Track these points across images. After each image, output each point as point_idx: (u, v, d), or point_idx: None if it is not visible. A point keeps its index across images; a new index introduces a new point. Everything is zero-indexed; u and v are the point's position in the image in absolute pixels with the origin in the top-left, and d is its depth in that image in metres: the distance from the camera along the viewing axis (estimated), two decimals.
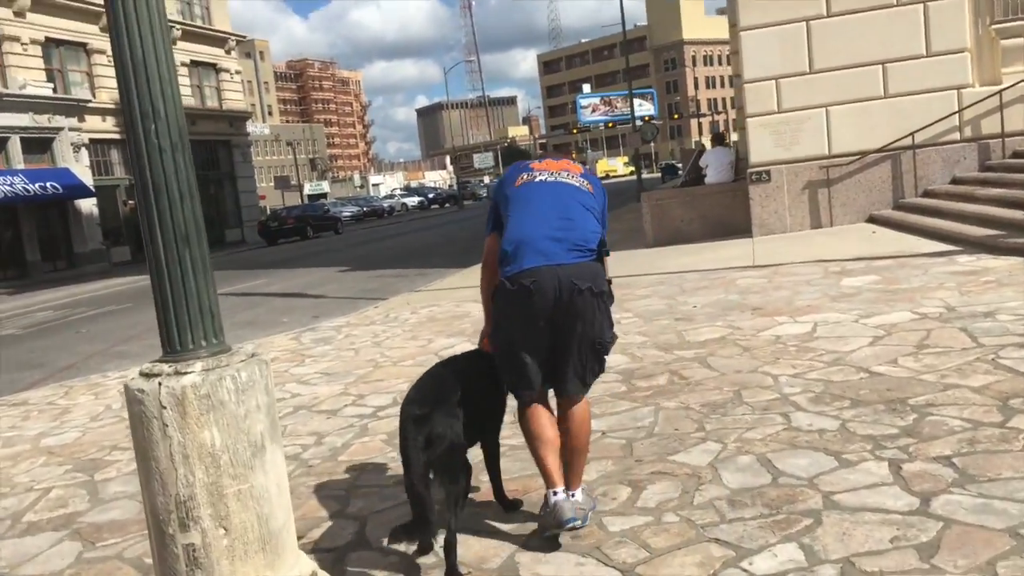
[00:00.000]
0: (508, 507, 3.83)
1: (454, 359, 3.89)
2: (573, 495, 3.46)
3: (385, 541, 3.45)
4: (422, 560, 3.46)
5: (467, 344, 7.56)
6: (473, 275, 12.87)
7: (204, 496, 2.65)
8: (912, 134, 12.42)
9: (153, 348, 10.65)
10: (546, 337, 3.40)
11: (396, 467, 4.52)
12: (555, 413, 3.56)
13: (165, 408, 2.64)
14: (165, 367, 2.72)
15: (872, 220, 12.65)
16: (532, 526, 3.63)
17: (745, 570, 3.05)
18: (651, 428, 4.69)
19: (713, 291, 8.75)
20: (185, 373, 2.68)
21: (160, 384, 2.66)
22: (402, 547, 3.55)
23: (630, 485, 3.93)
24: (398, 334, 8.69)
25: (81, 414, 6.98)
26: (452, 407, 3.37)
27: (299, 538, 3.78)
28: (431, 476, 3.34)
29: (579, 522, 3.37)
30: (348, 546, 3.70)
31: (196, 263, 2.75)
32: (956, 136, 12.61)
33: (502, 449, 3.87)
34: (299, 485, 4.57)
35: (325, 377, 7.10)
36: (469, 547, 3.51)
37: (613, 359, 6.11)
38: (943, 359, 5.28)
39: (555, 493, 3.41)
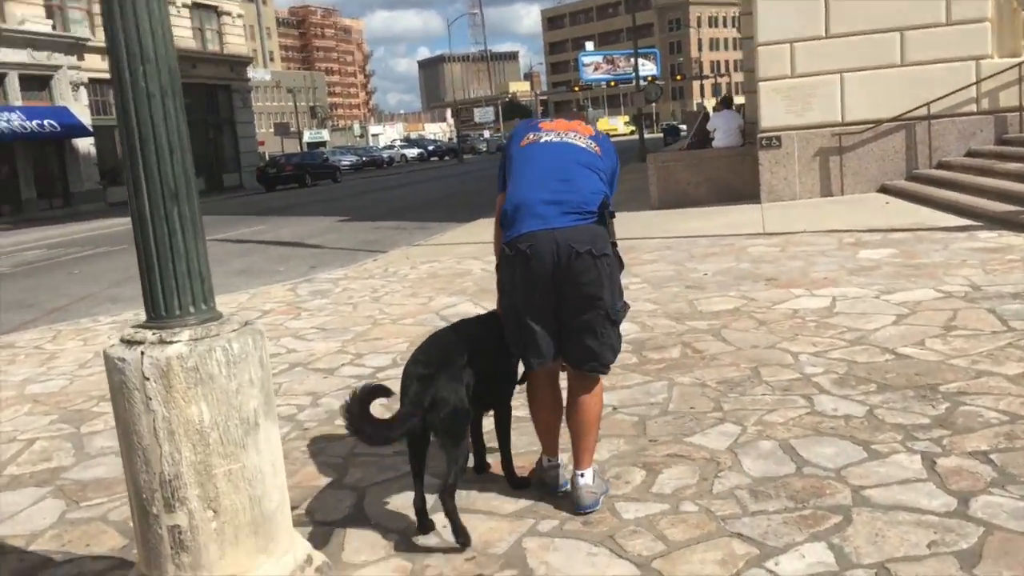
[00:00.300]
0: (516, 484, 3.61)
1: (465, 322, 3.73)
2: (582, 475, 3.37)
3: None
4: (423, 540, 3.24)
5: (469, 304, 7.32)
6: (475, 230, 12.62)
7: (191, 476, 2.42)
8: (928, 104, 12.08)
9: None
10: (551, 305, 3.27)
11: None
12: (558, 384, 3.47)
13: (148, 380, 2.40)
14: (149, 334, 2.46)
15: (884, 190, 12.36)
16: (541, 508, 3.41)
17: (771, 571, 2.83)
18: (665, 405, 4.46)
19: (724, 258, 8.48)
20: (171, 342, 2.42)
21: (143, 354, 2.40)
22: (402, 527, 3.34)
23: (644, 468, 3.70)
24: (397, 290, 8.43)
25: (68, 360, 6.74)
26: (457, 370, 3.23)
27: (293, 508, 3.56)
28: (432, 438, 3.24)
29: (589, 509, 3.33)
30: (345, 520, 3.48)
31: (185, 221, 2.48)
32: (973, 108, 12.27)
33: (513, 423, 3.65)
34: (293, 449, 4.34)
35: (322, 333, 6.85)
36: (474, 528, 3.28)
37: (622, 327, 5.86)
38: (973, 343, 5.04)
39: (548, 460, 3.51)
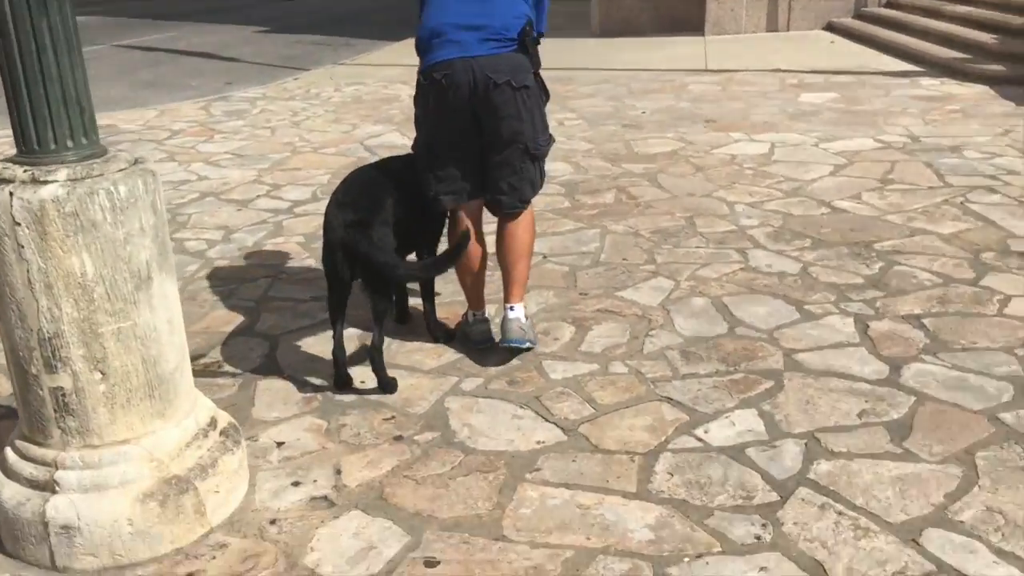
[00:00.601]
0: (439, 336, 3.44)
1: (390, 160, 3.48)
2: (512, 308, 3.24)
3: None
4: (340, 397, 3.07)
5: (395, 134, 6.93)
6: (405, 51, 11.82)
7: (74, 334, 2.15)
8: None
9: None
10: (470, 139, 3.11)
11: (313, 278, 4.06)
12: (481, 231, 3.32)
13: (20, 225, 2.08)
14: (19, 171, 2.12)
15: (830, 28, 12.00)
16: (465, 365, 3.26)
17: (700, 439, 2.75)
18: (597, 255, 4.29)
19: (663, 96, 8.17)
20: (45, 182, 2.09)
21: (11, 195, 2.07)
22: (317, 380, 3.16)
23: (574, 323, 3.56)
24: (319, 115, 7.93)
25: None
26: (384, 214, 3.05)
27: (200, 357, 3.36)
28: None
29: (518, 344, 3.20)
30: (256, 371, 3.28)
31: (57, 36, 2.09)
32: None
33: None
34: (202, 289, 4.07)
35: (237, 159, 6.41)
36: None
37: (556, 167, 5.63)
38: (909, 198, 4.95)
39: (473, 315, 3.35)
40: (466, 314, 3.43)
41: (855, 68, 9.04)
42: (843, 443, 2.70)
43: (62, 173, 2.10)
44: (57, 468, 2.21)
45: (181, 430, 2.34)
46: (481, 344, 3.33)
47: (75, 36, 2.14)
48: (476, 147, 3.13)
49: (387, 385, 3.06)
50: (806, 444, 2.70)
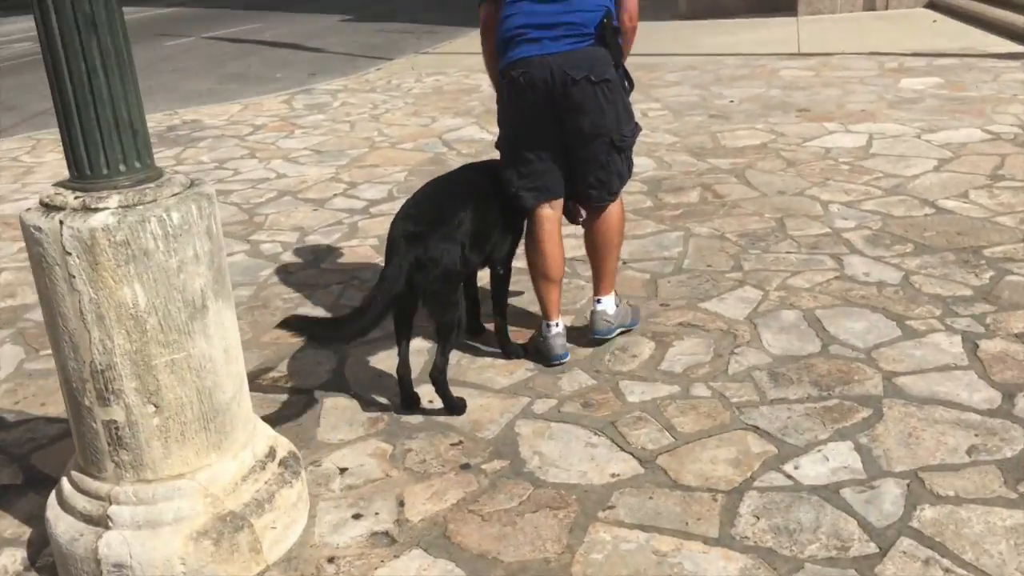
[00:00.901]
0: (511, 353, 3.29)
1: (468, 168, 3.43)
2: (599, 301, 3.29)
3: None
4: (407, 418, 2.95)
5: (474, 127, 6.80)
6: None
7: (127, 366, 2.07)
8: None
9: (150, 92, 9.75)
10: (551, 137, 3.10)
11: None
12: (560, 233, 3.26)
13: (70, 255, 2.00)
14: (70, 198, 2.04)
15: (932, 5, 11.36)
16: (538, 384, 3.10)
17: (789, 476, 2.53)
18: (680, 261, 4.07)
19: (753, 83, 7.82)
20: (96, 210, 2.00)
21: (62, 223, 1.99)
22: (384, 399, 3.06)
23: (654, 339, 3.36)
24: (399, 107, 7.85)
25: (47, 176, 6.33)
26: (451, 229, 2.91)
27: (267, 371, 3.30)
28: (420, 304, 2.93)
29: (603, 335, 3.28)
30: (323, 387, 3.19)
31: (108, 56, 2.00)
32: None
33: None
34: (274, 296, 4.02)
35: (315, 156, 6.38)
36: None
37: (638, 163, 5.30)
38: (1022, 197, 4.57)
39: (548, 326, 3.22)
40: (540, 325, 3.28)
41: (960, 50, 8.50)
42: (950, 485, 2.45)
43: (113, 200, 2.02)
44: (111, 503, 2.15)
45: (238, 463, 2.26)
46: (555, 361, 3.18)
47: (127, 55, 2.05)
48: (557, 145, 3.10)
49: (454, 408, 2.94)
50: (908, 485, 2.46)
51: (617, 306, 3.32)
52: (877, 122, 6.20)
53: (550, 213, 3.18)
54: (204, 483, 2.18)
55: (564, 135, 3.08)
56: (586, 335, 3.35)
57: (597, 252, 3.28)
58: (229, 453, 2.24)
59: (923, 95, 6.91)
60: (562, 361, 3.19)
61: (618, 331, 3.31)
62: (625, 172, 3.22)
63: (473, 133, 6.64)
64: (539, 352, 3.24)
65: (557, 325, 3.23)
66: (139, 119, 2.08)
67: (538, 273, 3.23)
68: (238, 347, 2.29)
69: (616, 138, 3.09)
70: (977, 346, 3.16)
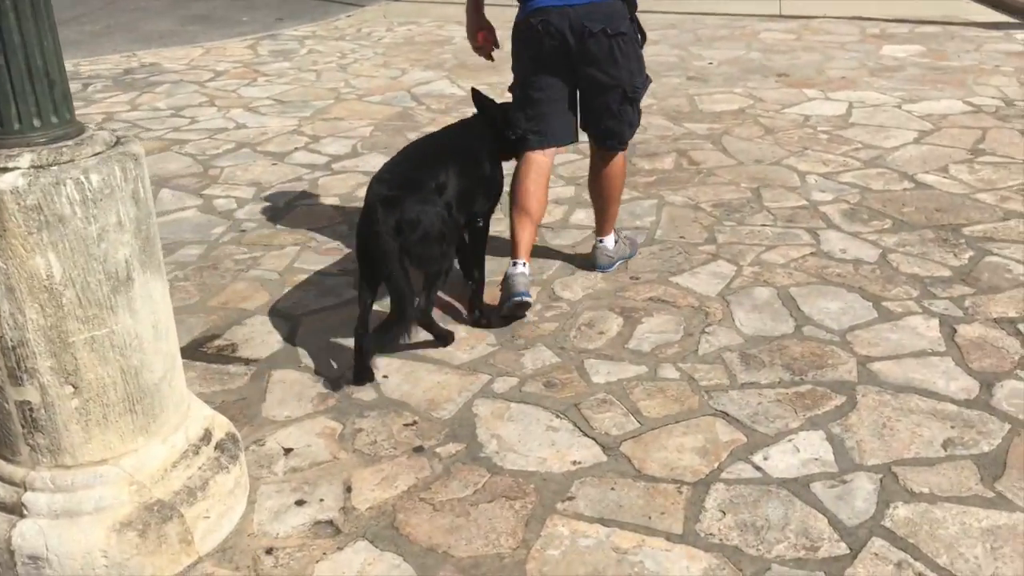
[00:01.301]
0: (481, 314, 3.15)
1: (447, 130, 3.40)
2: (602, 241, 3.51)
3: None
4: (360, 394, 2.79)
5: (444, 82, 6.54)
6: None
7: (41, 343, 1.88)
8: None
9: (108, 33, 9.28)
10: (563, 85, 3.23)
11: (345, 248, 3.78)
12: (547, 184, 3.36)
13: None
14: None
15: None
16: (500, 360, 2.95)
17: (758, 467, 2.41)
18: (652, 231, 3.91)
19: (733, 44, 7.62)
20: (4, 170, 1.80)
21: None
22: (337, 372, 2.89)
23: (622, 314, 3.22)
24: (368, 57, 7.56)
25: None
26: (429, 191, 2.89)
27: (214, 338, 3.11)
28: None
29: (605, 269, 3.51)
30: (272, 358, 3.01)
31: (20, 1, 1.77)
32: None
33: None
34: (225, 256, 3.81)
35: (278, 106, 6.11)
36: (418, 382, 2.85)
37: None
38: (1003, 173, 4.45)
39: (514, 264, 3.20)
40: (509, 265, 3.24)
41: (942, 17, 8.35)
42: (924, 481, 2.33)
43: (25, 159, 1.81)
44: (26, 489, 1.97)
45: (168, 447, 2.08)
46: (516, 297, 3.08)
47: (44, 3, 1.83)
48: (567, 93, 3.25)
49: (443, 338, 2.98)
50: (881, 480, 2.34)
51: (616, 242, 3.53)
52: (857, 90, 6.05)
53: (543, 159, 3.29)
54: (129, 470, 2.01)
55: (577, 84, 3.22)
56: (552, 308, 3.20)
57: (602, 198, 3.46)
58: (158, 437, 2.07)
59: (904, 63, 6.76)
60: (524, 299, 3.10)
61: (618, 263, 3.54)
62: (636, 121, 3.37)
63: (443, 88, 6.39)
64: (502, 291, 3.15)
65: (524, 265, 3.19)
66: (56, 68, 1.87)
67: (518, 208, 3.25)
68: (170, 322, 2.11)
69: (628, 89, 3.21)
70: (955, 331, 3.05)
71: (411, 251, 2.78)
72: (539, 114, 3.22)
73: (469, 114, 3.40)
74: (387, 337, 2.78)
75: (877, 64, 6.76)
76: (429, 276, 2.89)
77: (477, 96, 3.26)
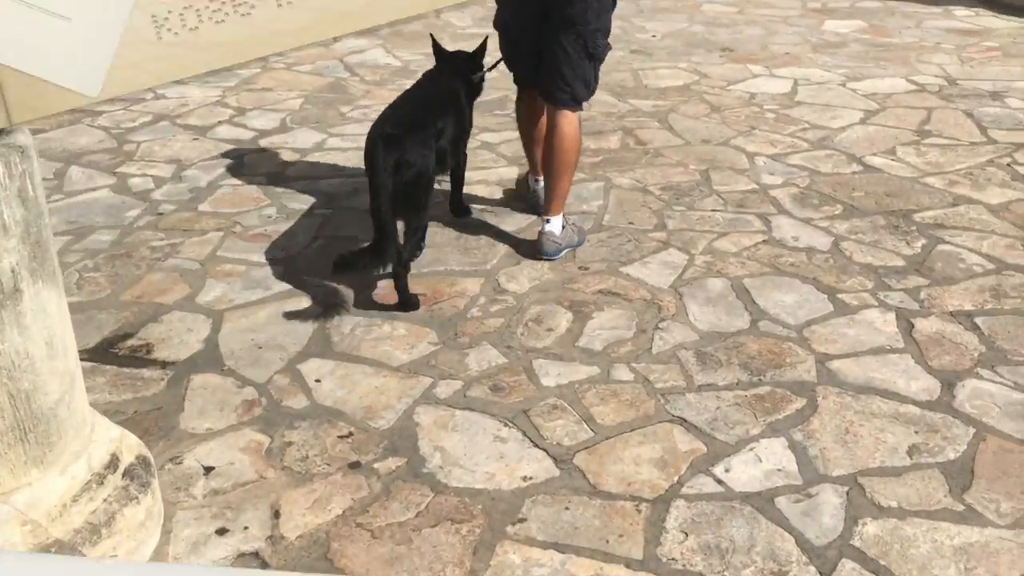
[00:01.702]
0: (463, 212, 3.66)
1: (430, 80, 3.52)
2: (548, 221, 3.34)
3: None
4: (288, 403, 2.56)
5: (379, 50, 6.24)
6: None
7: None
8: None
9: None
10: (534, 29, 3.25)
11: (272, 233, 3.53)
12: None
13: None
14: None
15: None
16: (442, 360, 2.75)
17: (720, 480, 2.27)
18: (600, 216, 3.74)
19: (675, 16, 7.44)
20: None
21: None
22: (263, 376, 2.65)
23: (571, 309, 3.04)
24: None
25: None
26: (428, 135, 3.09)
27: (126, 338, 2.84)
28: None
29: (551, 256, 3.35)
30: (192, 361, 2.76)
31: None
32: None
33: None
34: (141, 243, 3.52)
35: (200, 74, 5.73)
36: (354, 387, 2.63)
37: None
38: (950, 156, 4.38)
39: (536, 180, 3.68)
40: (527, 177, 3.77)
41: None
42: (892, 493, 2.22)
43: None
44: None
45: (67, 479, 1.84)
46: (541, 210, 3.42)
47: None
48: (536, 39, 3.27)
49: (407, 303, 2.98)
50: (848, 493, 2.22)
51: (564, 228, 3.36)
52: (802, 66, 5.94)
53: (532, 96, 3.47)
54: (22, 507, 1.76)
55: (545, 33, 3.21)
56: (497, 301, 3.01)
57: (551, 168, 3.35)
58: (55, 468, 1.82)
59: (847, 39, 6.68)
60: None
61: (565, 251, 3.37)
62: (592, 82, 3.32)
63: (379, 57, 6.09)
64: (523, 199, 3.74)
65: (538, 179, 3.65)
66: None
67: (523, 131, 3.65)
68: (67, 336, 1.85)
69: (589, 40, 3.18)
70: (912, 325, 2.95)
71: (404, 191, 2.94)
72: (519, 54, 3.40)
73: (408, 84, 3.63)
74: (360, 261, 2.93)
75: (820, 39, 6.67)
76: (410, 226, 3.03)
77: (437, 46, 3.52)
